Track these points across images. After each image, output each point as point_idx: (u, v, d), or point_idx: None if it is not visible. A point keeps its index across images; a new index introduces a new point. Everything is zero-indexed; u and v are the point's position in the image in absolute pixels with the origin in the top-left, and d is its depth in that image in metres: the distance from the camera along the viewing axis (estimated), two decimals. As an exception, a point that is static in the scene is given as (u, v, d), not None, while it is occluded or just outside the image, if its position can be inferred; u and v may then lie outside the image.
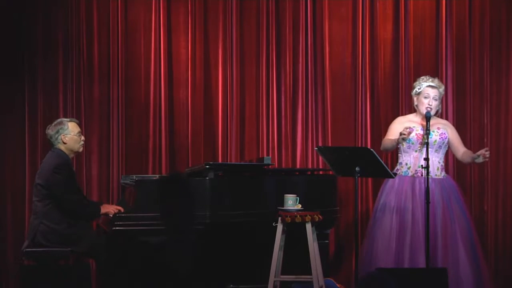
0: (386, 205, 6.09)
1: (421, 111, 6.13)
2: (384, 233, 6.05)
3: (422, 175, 6.00)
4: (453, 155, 7.11)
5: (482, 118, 7.28)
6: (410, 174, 6.09)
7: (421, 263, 5.87)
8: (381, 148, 6.27)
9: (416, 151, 6.09)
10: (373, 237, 6.12)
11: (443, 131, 6.11)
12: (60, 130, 5.98)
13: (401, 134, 5.92)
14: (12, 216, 7.01)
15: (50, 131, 6.00)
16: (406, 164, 6.12)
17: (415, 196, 6.02)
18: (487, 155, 5.94)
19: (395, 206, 6.04)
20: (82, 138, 6.08)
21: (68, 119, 6.08)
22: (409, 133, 5.94)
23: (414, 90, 6.19)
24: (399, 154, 6.22)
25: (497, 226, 7.27)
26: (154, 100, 7.14)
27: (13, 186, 7.02)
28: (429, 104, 6.08)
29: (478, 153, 5.97)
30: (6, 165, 7.02)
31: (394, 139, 6.06)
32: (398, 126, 6.18)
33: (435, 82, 6.16)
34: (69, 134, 5.98)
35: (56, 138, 5.98)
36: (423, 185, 5.97)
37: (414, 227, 5.97)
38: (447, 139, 6.11)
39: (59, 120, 6.09)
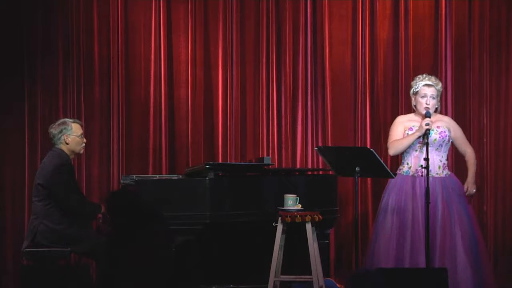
0: (388, 205, 6.08)
1: (420, 111, 6.12)
2: (385, 234, 6.04)
3: (422, 175, 5.99)
4: (454, 154, 7.12)
5: (481, 118, 7.29)
6: (411, 173, 6.09)
7: (422, 263, 5.87)
8: (393, 152, 6.08)
9: (416, 150, 6.09)
10: (375, 238, 6.12)
11: (443, 129, 6.10)
12: (64, 130, 5.98)
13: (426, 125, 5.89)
14: (12, 216, 7.01)
15: (53, 130, 6.00)
16: (408, 163, 6.11)
17: (416, 196, 6.01)
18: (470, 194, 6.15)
19: (395, 206, 6.03)
20: (84, 140, 6.08)
21: (72, 120, 6.08)
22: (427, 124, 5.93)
23: (412, 90, 6.18)
24: (402, 154, 6.22)
25: (497, 226, 7.28)
26: (154, 100, 7.14)
27: (13, 186, 7.02)
28: (426, 104, 6.07)
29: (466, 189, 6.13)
30: (6, 165, 7.02)
31: (411, 136, 5.99)
32: (400, 127, 6.16)
33: (431, 80, 6.14)
34: (71, 135, 5.98)
35: (59, 138, 5.98)
36: (423, 185, 5.96)
37: (414, 227, 5.96)
38: (447, 137, 6.10)
39: (63, 120, 6.09)
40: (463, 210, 6.02)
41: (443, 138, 6.07)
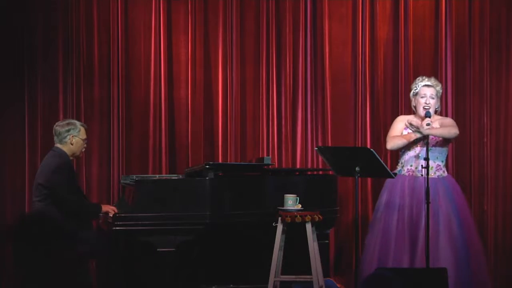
0: (380, 205, 6.12)
1: (419, 112, 6.13)
2: (373, 233, 6.08)
3: (413, 174, 6.03)
4: (453, 155, 7.13)
5: (482, 118, 7.29)
6: (402, 172, 6.12)
7: (405, 263, 5.87)
8: (390, 146, 6.17)
9: (410, 150, 6.11)
10: (366, 237, 6.16)
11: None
12: (71, 130, 5.98)
13: (411, 125, 5.90)
14: (12, 216, 7.00)
15: (60, 128, 5.99)
16: (401, 163, 6.14)
17: (404, 196, 6.03)
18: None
19: (385, 206, 6.07)
20: (85, 145, 6.09)
21: (80, 123, 6.09)
22: (410, 124, 5.94)
23: (412, 92, 6.21)
24: (399, 153, 6.24)
25: (497, 226, 7.27)
26: (154, 100, 7.14)
27: (13, 186, 7.02)
28: (426, 103, 6.09)
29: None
30: (6, 165, 7.01)
31: (411, 135, 6.02)
32: (400, 125, 6.19)
33: (431, 81, 6.16)
34: (77, 137, 5.99)
35: (65, 137, 5.97)
36: (413, 185, 5.99)
37: (399, 226, 5.98)
38: (440, 140, 6.10)
39: (71, 120, 6.11)
40: (452, 212, 6.00)
41: (435, 140, 6.08)
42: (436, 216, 5.94)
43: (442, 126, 6.10)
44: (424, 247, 5.81)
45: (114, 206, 6.09)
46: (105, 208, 5.96)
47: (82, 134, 6.02)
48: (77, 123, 6.07)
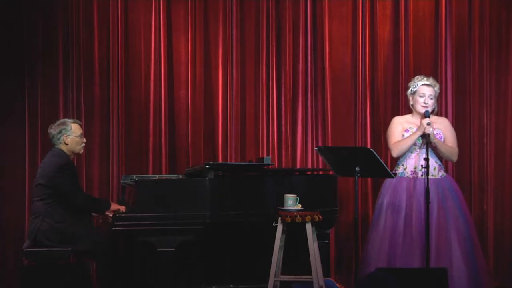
0: (383, 205, 6.11)
1: (417, 110, 6.12)
2: (378, 234, 6.06)
3: (417, 176, 6.02)
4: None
5: (482, 118, 7.29)
6: (406, 175, 6.10)
7: (414, 264, 5.87)
8: (397, 153, 6.10)
9: (412, 152, 6.10)
10: (369, 238, 6.15)
11: (438, 131, 6.11)
12: (63, 131, 5.99)
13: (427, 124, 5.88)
14: (12, 216, 7.00)
15: (53, 130, 6.01)
16: (403, 165, 6.13)
17: (410, 197, 6.02)
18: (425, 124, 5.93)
19: (389, 206, 6.05)
20: (84, 140, 6.09)
21: (71, 120, 6.09)
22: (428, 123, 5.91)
23: (409, 90, 6.19)
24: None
25: (497, 226, 7.27)
26: (154, 100, 7.14)
27: (13, 186, 7.02)
28: (424, 103, 6.08)
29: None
30: (6, 165, 7.02)
31: (413, 135, 6.01)
32: (398, 128, 6.17)
33: (430, 80, 6.16)
34: (71, 136, 6.00)
35: (58, 138, 5.99)
36: (418, 186, 5.98)
37: (407, 228, 5.97)
38: (442, 139, 6.11)
39: (62, 120, 6.10)
40: (458, 210, 6.02)
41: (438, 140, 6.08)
42: (445, 215, 5.95)
43: (448, 139, 6.10)
44: (435, 246, 5.83)
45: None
46: (115, 206, 5.96)
47: (75, 131, 6.02)
48: (68, 121, 6.07)
